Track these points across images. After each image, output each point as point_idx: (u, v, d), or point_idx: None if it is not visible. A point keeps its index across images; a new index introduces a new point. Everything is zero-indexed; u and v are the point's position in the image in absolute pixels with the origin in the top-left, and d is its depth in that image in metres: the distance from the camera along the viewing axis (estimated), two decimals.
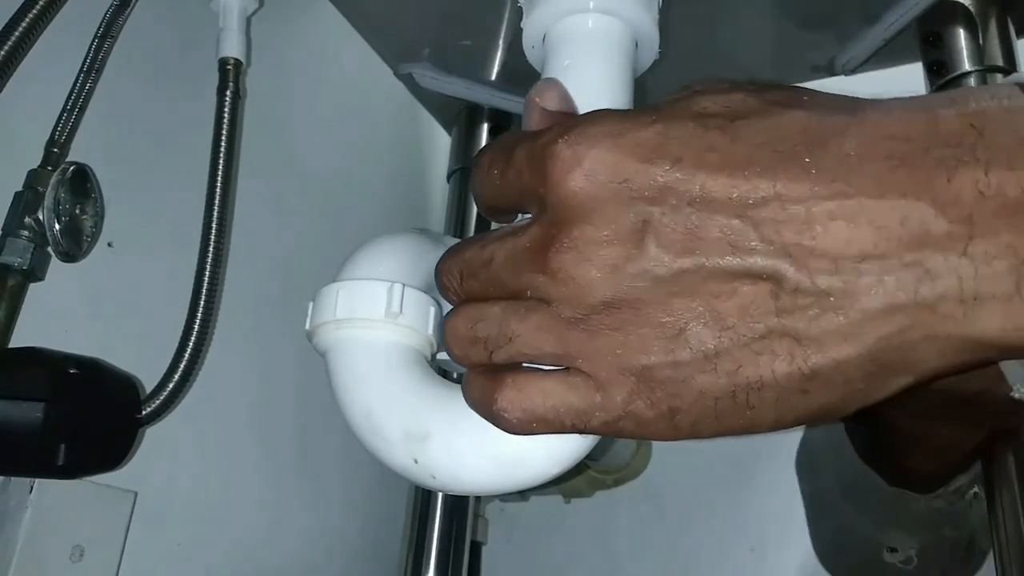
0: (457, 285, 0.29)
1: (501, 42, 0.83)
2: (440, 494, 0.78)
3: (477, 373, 0.29)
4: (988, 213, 0.22)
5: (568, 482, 0.95)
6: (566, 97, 0.31)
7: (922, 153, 0.23)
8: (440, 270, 0.30)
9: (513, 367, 0.27)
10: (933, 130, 0.24)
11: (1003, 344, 0.23)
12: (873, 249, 0.23)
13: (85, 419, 0.48)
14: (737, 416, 0.25)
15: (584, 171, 0.25)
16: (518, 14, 0.39)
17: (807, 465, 0.64)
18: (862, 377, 0.24)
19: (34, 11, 0.49)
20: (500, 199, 0.28)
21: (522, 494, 0.99)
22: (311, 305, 0.38)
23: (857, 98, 0.26)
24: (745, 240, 0.24)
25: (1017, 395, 0.32)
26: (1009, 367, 0.33)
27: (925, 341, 0.23)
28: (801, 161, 0.24)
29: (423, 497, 0.79)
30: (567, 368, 0.26)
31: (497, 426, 0.28)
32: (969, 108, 0.24)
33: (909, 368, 0.24)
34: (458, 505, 0.79)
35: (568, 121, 0.26)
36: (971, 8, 0.76)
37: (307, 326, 0.38)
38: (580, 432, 0.27)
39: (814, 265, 0.23)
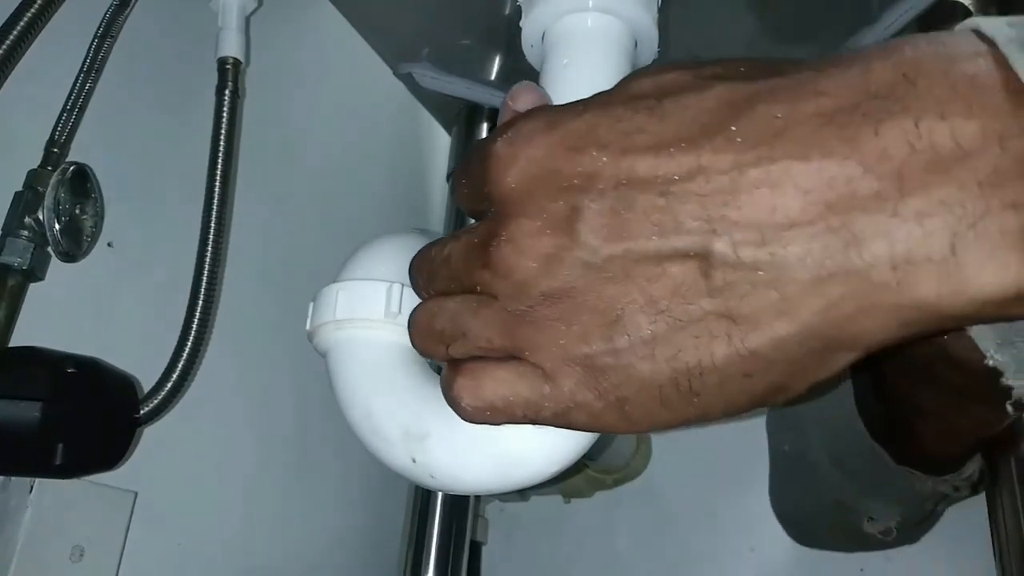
0: (424, 282, 0.30)
1: (501, 42, 0.83)
2: (440, 494, 0.78)
3: (447, 364, 0.29)
4: (919, 168, 0.21)
5: (568, 482, 0.95)
6: (541, 100, 0.30)
7: (851, 109, 0.22)
8: (411, 268, 0.30)
9: (475, 357, 0.28)
10: (864, 83, 0.22)
11: (942, 311, 0.21)
12: (800, 215, 0.22)
13: (83, 419, 0.48)
14: (685, 404, 0.25)
15: (518, 167, 0.25)
16: (518, 13, 0.39)
17: (788, 425, 0.62)
18: (805, 355, 0.23)
19: (33, 10, 0.49)
20: (471, 203, 0.29)
21: (522, 494, 0.99)
22: (311, 306, 0.38)
23: (800, 60, 0.24)
24: (670, 218, 0.23)
25: (991, 362, 0.30)
26: (978, 333, 0.30)
27: (863, 312, 0.22)
28: (727, 131, 0.23)
29: (423, 497, 0.79)
30: (522, 359, 0.26)
31: (456, 414, 0.28)
32: (904, 56, 0.22)
33: (852, 342, 0.23)
34: (458, 505, 0.79)
35: (509, 121, 0.27)
36: (971, 8, 0.76)
37: (307, 327, 0.38)
38: (533, 423, 0.27)
39: (739, 237, 0.22)
